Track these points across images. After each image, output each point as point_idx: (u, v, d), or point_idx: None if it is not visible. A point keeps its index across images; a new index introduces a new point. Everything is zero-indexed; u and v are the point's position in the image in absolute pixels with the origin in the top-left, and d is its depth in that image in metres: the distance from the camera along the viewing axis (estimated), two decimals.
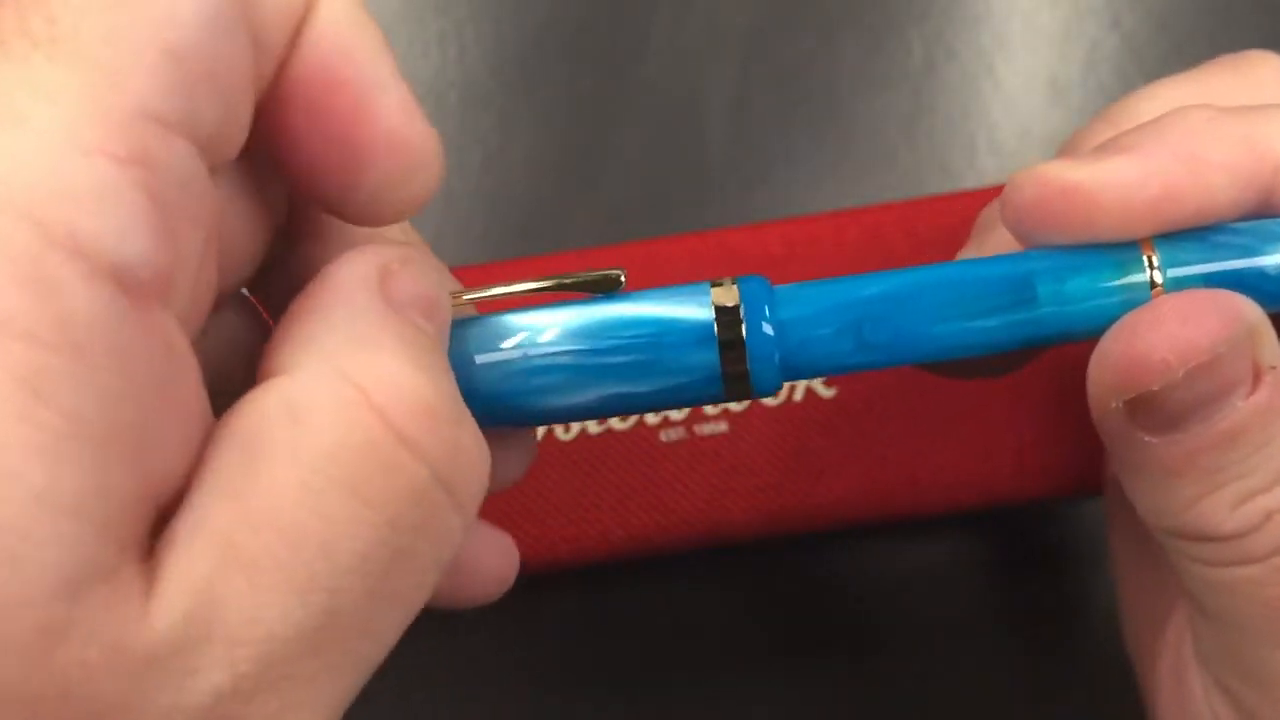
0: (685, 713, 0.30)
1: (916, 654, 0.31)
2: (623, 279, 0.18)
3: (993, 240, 0.20)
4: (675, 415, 0.27)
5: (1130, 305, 0.18)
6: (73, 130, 0.12)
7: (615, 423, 0.27)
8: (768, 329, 0.18)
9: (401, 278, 0.16)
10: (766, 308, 0.18)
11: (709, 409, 0.27)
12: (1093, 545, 0.31)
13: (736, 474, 0.27)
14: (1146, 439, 0.18)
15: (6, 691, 0.12)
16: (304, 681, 0.13)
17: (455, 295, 0.18)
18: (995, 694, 0.30)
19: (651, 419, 0.27)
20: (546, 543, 0.27)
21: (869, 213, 0.28)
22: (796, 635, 0.31)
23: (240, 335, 0.19)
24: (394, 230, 0.19)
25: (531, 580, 0.28)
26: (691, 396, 0.18)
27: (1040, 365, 0.26)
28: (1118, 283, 0.18)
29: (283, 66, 0.15)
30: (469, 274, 0.27)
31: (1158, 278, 0.18)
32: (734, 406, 0.27)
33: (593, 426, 0.27)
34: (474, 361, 0.18)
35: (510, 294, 0.18)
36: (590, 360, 0.18)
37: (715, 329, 0.17)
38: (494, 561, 0.20)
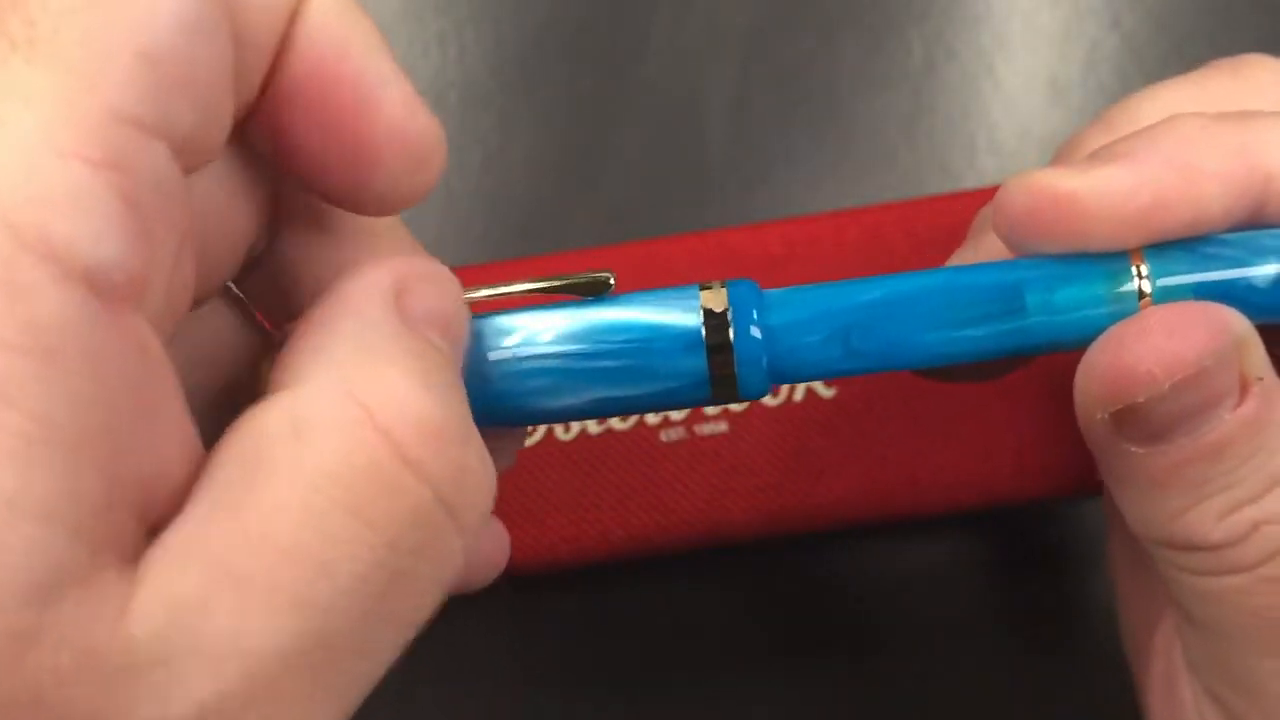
0: (685, 713, 0.30)
1: (916, 654, 0.31)
2: (612, 281, 0.18)
3: (987, 243, 0.20)
4: (675, 415, 0.27)
5: (1118, 316, 0.17)
6: (48, 133, 0.12)
7: (615, 423, 0.27)
8: (755, 333, 0.18)
9: (417, 292, 0.16)
10: (755, 311, 0.18)
11: (709, 409, 0.27)
12: (1093, 545, 0.31)
13: (736, 474, 0.27)
14: (1133, 450, 0.18)
15: None
16: (295, 700, 0.13)
17: None
18: (995, 694, 0.30)
19: (651, 419, 0.27)
20: (546, 543, 0.27)
21: (869, 213, 0.28)
22: (796, 635, 0.31)
23: (228, 329, 0.19)
24: (386, 220, 0.19)
25: (531, 580, 0.28)
26: (680, 399, 0.18)
27: (1040, 366, 0.26)
28: (1106, 293, 0.18)
29: (278, 65, 0.15)
30: (468, 274, 0.27)
31: (1146, 288, 0.18)
32: (734, 406, 0.27)
33: (593, 426, 0.27)
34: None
35: (499, 295, 0.18)
36: (579, 364, 0.18)
37: (703, 332, 0.17)
38: (487, 548, 0.20)
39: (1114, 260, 0.18)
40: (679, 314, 0.18)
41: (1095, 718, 0.30)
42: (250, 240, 0.17)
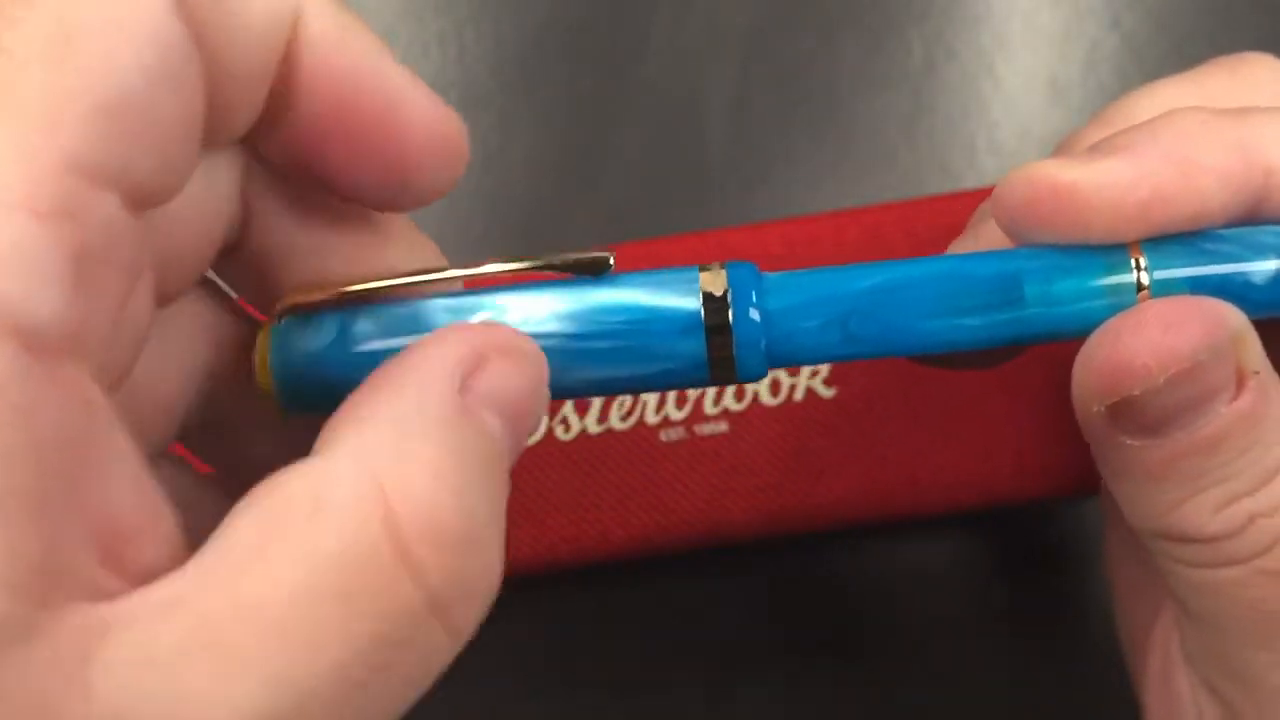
0: (685, 712, 0.30)
1: (916, 654, 0.31)
2: (611, 261, 0.18)
3: (987, 231, 0.20)
4: (675, 415, 0.27)
5: (1116, 308, 0.18)
6: None
7: (615, 423, 0.27)
8: (754, 315, 0.18)
9: (490, 371, 0.16)
10: (754, 294, 0.18)
11: (709, 409, 0.27)
12: (1092, 545, 0.31)
13: (736, 474, 0.27)
14: (1129, 442, 0.18)
15: None
16: None
17: (436, 272, 0.18)
18: (995, 694, 0.30)
19: (652, 419, 0.27)
20: (546, 543, 0.27)
21: (869, 213, 0.28)
22: (796, 635, 0.31)
23: (208, 316, 0.19)
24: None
25: (531, 580, 0.28)
26: (677, 380, 0.18)
27: (1040, 365, 0.26)
28: (1104, 285, 0.18)
29: (291, 87, 0.16)
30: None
31: (1144, 280, 0.18)
32: (734, 406, 0.27)
33: (593, 426, 0.27)
34: None
35: (498, 273, 0.18)
36: (576, 344, 0.18)
37: (702, 313, 0.17)
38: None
39: (1112, 253, 0.18)
40: (678, 295, 0.18)
41: (1095, 717, 0.30)
42: (223, 232, 0.17)
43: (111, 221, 0.14)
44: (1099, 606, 0.30)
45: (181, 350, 0.18)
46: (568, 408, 0.27)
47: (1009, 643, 0.31)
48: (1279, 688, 0.18)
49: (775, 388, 0.27)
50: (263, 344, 0.18)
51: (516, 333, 0.17)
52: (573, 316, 0.18)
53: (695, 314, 0.18)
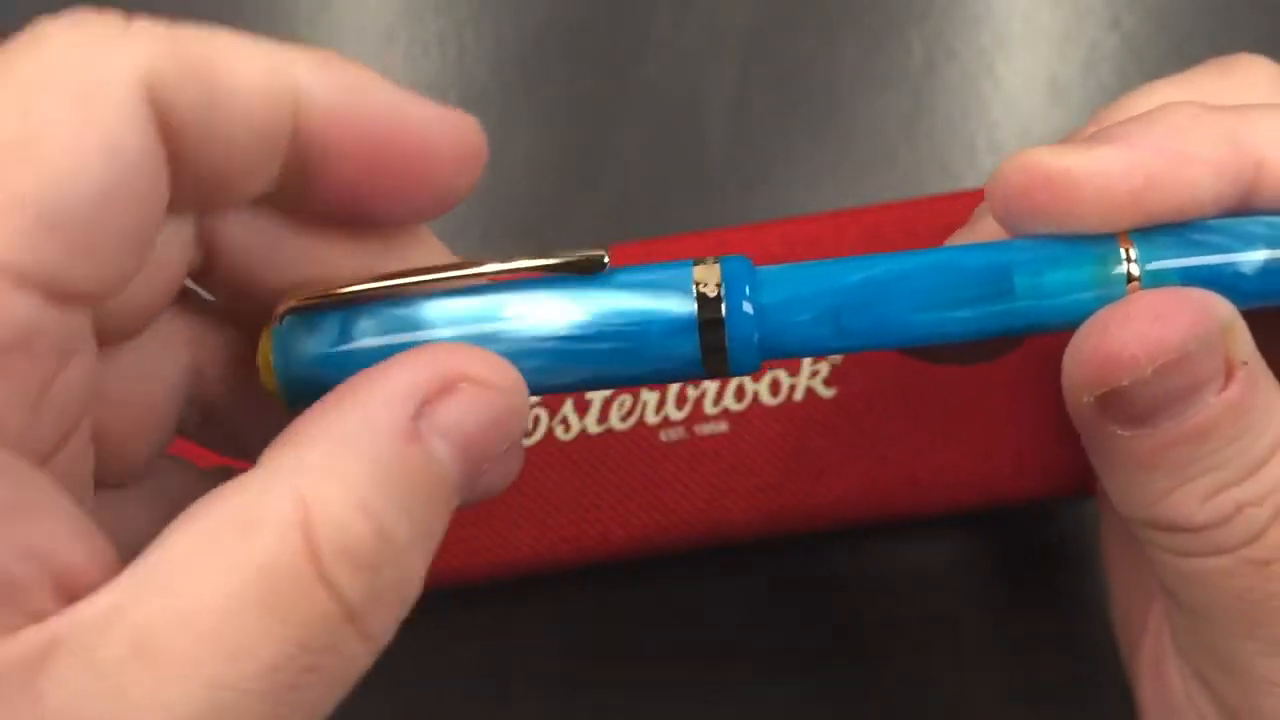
0: (685, 712, 0.30)
1: (916, 654, 0.31)
2: (606, 260, 0.18)
3: (984, 226, 0.20)
4: (675, 415, 0.27)
5: (1106, 300, 0.18)
6: None
7: (615, 423, 0.27)
8: (748, 308, 0.18)
9: (451, 402, 0.16)
10: (747, 287, 0.18)
11: (709, 409, 0.27)
12: (1092, 544, 0.31)
13: (736, 474, 0.27)
14: (1119, 432, 0.18)
15: None
16: None
17: (433, 271, 0.18)
18: (995, 693, 0.30)
19: (652, 419, 0.27)
20: (546, 543, 0.27)
21: (869, 213, 0.28)
22: (796, 635, 0.31)
23: (187, 333, 0.19)
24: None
25: (531, 580, 0.28)
26: (671, 375, 0.18)
27: (1040, 365, 0.26)
28: (1094, 277, 0.18)
29: (306, 158, 0.16)
30: None
31: (1135, 272, 0.18)
32: (734, 406, 0.27)
33: (593, 426, 0.27)
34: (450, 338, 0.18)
35: (495, 272, 0.18)
36: (572, 345, 0.18)
37: (696, 306, 0.18)
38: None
39: (1103, 244, 0.18)
40: (673, 288, 0.18)
41: (1095, 716, 0.30)
42: (182, 272, 0.18)
43: (29, 318, 0.14)
44: (1098, 606, 0.30)
45: (163, 363, 0.19)
46: (568, 407, 0.28)
47: (1009, 643, 0.31)
48: (1266, 677, 0.18)
49: (775, 387, 0.27)
50: (265, 345, 0.18)
51: (495, 362, 0.17)
52: (569, 314, 0.18)
53: (690, 307, 0.18)
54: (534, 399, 0.27)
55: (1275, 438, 0.17)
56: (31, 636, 0.14)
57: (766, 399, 0.27)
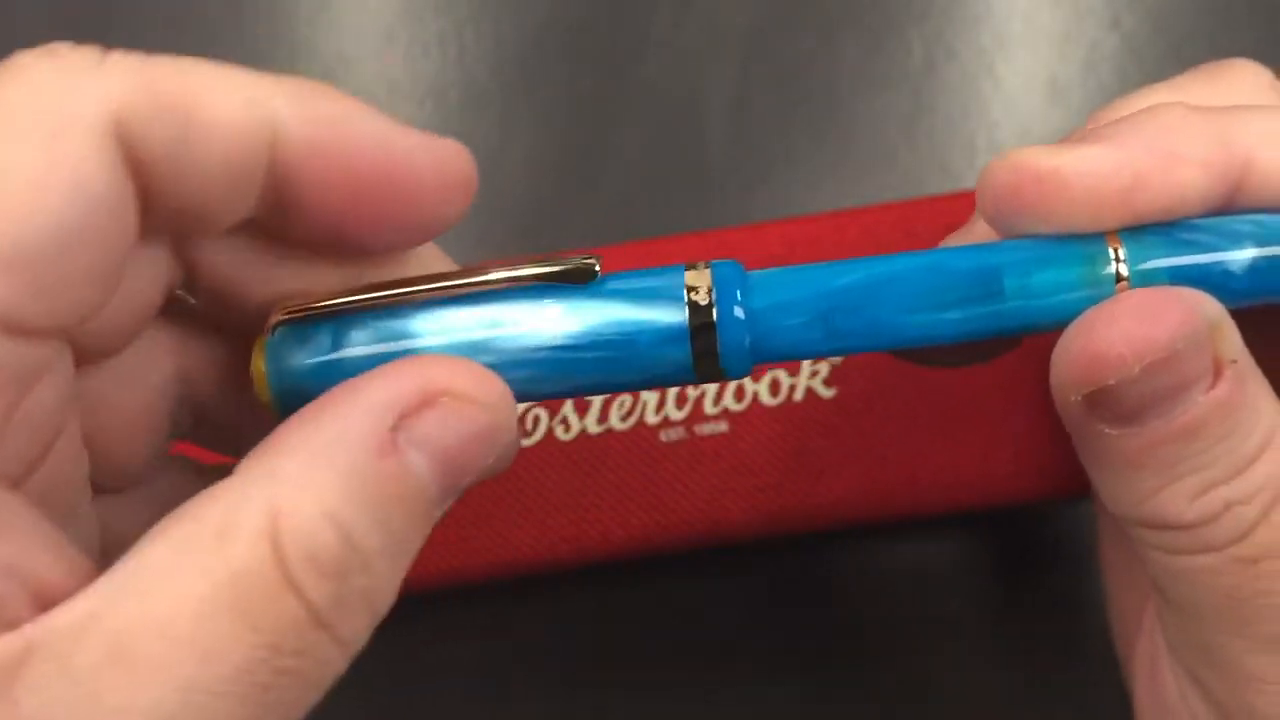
0: (685, 712, 0.30)
1: (916, 654, 0.31)
2: (597, 268, 0.18)
3: (978, 230, 0.20)
4: (675, 415, 0.27)
5: (1096, 299, 0.18)
6: None
7: (615, 423, 0.27)
8: (739, 313, 0.18)
9: (431, 415, 0.16)
10: (738, 292, 0.18)
11: (709, 409, 0.27)
12: (1090, 545, 0.31)
13: (736, 474, 0.27)
14: (1107, 431, 0.18)
15: None
16: None
17: (425, 282, 0.18)
18: (995, 693, 0.30)
19: (652, 419, 0.27)
20: (546, 543, 0.27)
21: (869, 213, 0.28)
22: (796, 635, 0.31)
23: (173, 343, 0.19)
24: None
25: (531, 580, 0.28)
26: (663, 381, 0.18)
27: (1038, 367, 0.26)
28: (1083, 277, 0.18)
29: (285, 190, 0.16)
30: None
31: (1124, 271, 0.18)
32: (734, 406, 0.27)
33: (593, 426, 0.27)
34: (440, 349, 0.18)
35: (486, 282, 0.18)
36: (564, 355, 0.18)
37: (687, 312, 0.18)
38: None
39: (1092, 244, 0.18)
40: (664, 294, 0.18)
41: (1094, 716, 0.30)
42: (164, 283, 0.18)
43: None
44: (1097, 606, 0.30)
45: (149, 371, 0.19)
46: (568, 407, 0.28)
47: (1008, 642, 0.31)
48: (1256, 674, 0.18)
49: (775, 388, 0.28)
50: (258, 356, 0.18)
51: (479, 376, 0.17)
52: (561, 323, 0.18)
53: (681, 314, 0.18)
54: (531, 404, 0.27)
55: (1263, 436, 0.18)
56: (6, 644, 0.14)
57: (766, 399, 0.27)
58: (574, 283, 0.18)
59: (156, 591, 0.14)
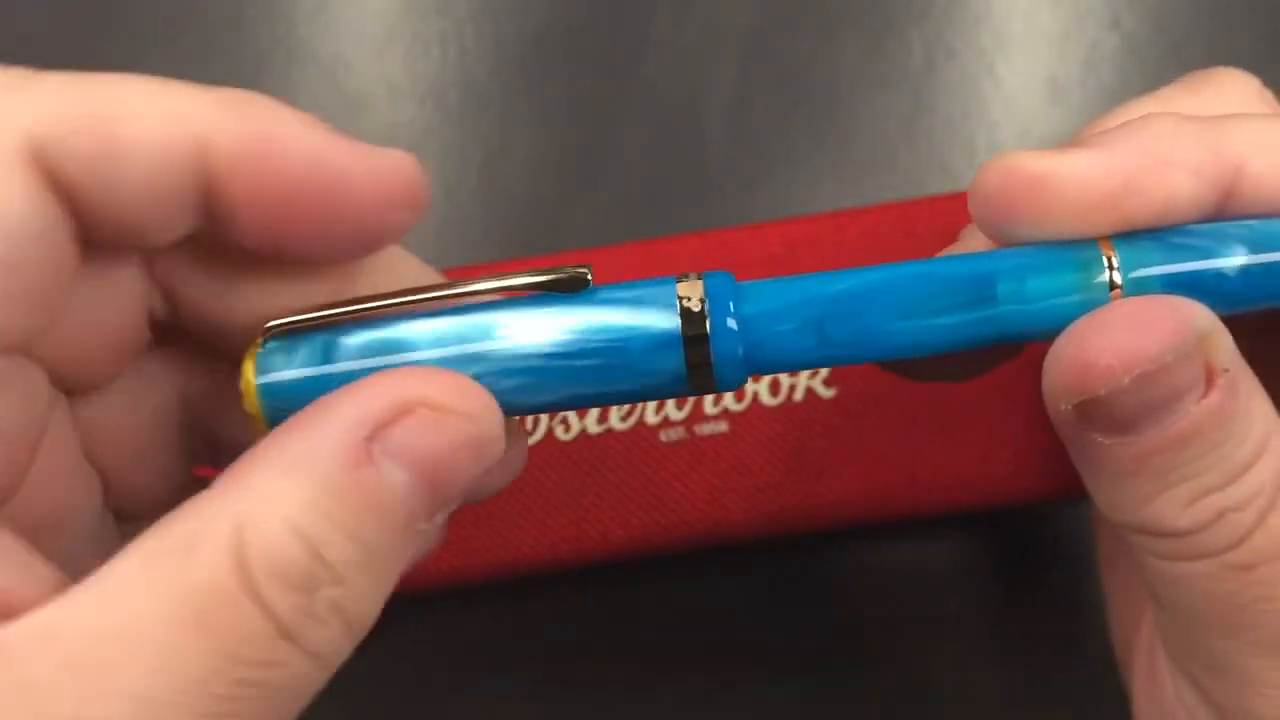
0: (685, 712, 0.30)
1: (916, 654, 0.31)
2: (589, 277, 0.18)
3: (974, 242, 0.20)
4: (675, 415, 0.27)
5: (1089, 306, 0.18)
6: None
7: (615, 423, 0.27)
8: (731, 324, 0.18)
9: (406, 425, 0.16)
10: (731, 303, 0.18)
11: (709, 409, 0.27)
12: (1090, 544, 0.31)
13: (736, 474, 0.27)
14: (1099, 439, 0.18)
15: None
16: None
17: (415, 293, 0.18)
18: (995, 693, 0.30)
19: (652, 419, 0.27)
20: (546, 543, 0.27)
21: (869, 213, 0.28)
22: (796, 635, 0.31)
23: (173, 372, 0.20)
24: None
25: (531, 580, 0.28)
26: (657, 392, 0.18)
27: (1038, 368, 0.26)
28: (1077, 283, 0.18)
29: (219, 204, 0.16)
30: (468, 274, 0.27)
31: (1117, 279, 0.18)
32: (734, 406, 0.27)
33: (593, 426, 0.27)
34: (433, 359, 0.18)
35: (475, 292, 0.18)
36: (556, 363, 0.18)
37: (680, 322, 0.18)
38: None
39: (1085, 250, 0.18)
40: (656, 306, 0.18)
41: (1093, 716, 0.30)
42: (141, 308, 0.18)
43: None
44: (1097, 606, 0.30)
45: (148, 400, 0.19)
46: None
47: (1008, 642, 0.31)
48: (1254, 677, 0.18)
49: (775, 388, 0.28)
50: (248, 369, 0.18)
51: (459, 386, 0.17)
52: (552, 331, 0.18)
53: (674, 328, 0.18)
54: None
55: (1257, 442, 0.17)
56: None
57: (766, 399, 0.27)
58: (566, 291, 0.18)
59: (118, 603, 0.15)
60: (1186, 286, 0.18)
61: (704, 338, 0.18)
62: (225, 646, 0.14)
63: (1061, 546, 0.31)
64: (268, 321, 0.18)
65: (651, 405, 0.27)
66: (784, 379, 0.27)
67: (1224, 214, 0.18)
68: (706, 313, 0.18)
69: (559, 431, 0.27)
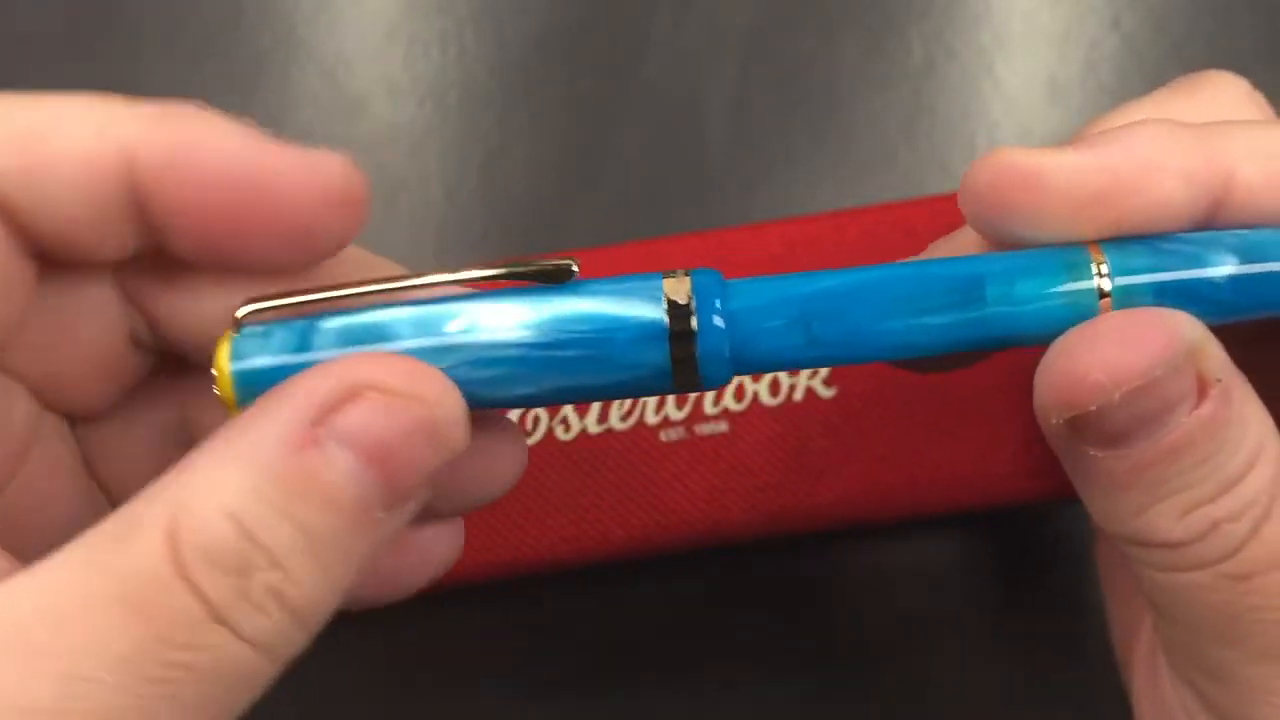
0: (685, 712, 0.30)
1: (916, 653, 0.31)
2: (575, 269, 0.18)
3: (963, 238, 0.20)
4: (675, 415, 0.27)
5: (1077, 310, 0.17)
6: None
7: (615, 422, 0.27)
8: (718, 321, 0.18)
9: (353, 409, 0.16)
10: (718, 300, 0.18)
11: (709, 409, 0.27)
12: (1090, 545, 0.31)
13: (736, 474, 0.27)
14: (1091, 452, 0.18)
15: None
16: None
17: (395, 281, 0.18)
18: (995, 693, 0.30)
19: (652, 419, 0.27)
20: (546, 543, 0.27)
21: (869, 213, 0.28)
22: (796, 635, 0.31)
23: (172, 395, 0.20)
24: None
25: (531, 580, 0.28)
26: (641, 389, 0.18)
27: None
28: (1065, 288, 0.18)
29: (153, 214, 0.17)
30: None
31: (1106, 285, 0.18)
32: (734, 406, 0.27)
33: (593, 426, 0.27)
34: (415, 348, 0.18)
35: (460, 281, 0.18)
36: (537, 354, 0.17)
37: (667, 319, 0.17)
38: (416, 554, 0.21)
39: (1074, 254, 0.18)
40: (642, 303, 0.18)
41: (1093, 716, 0.30)
42: (121, 330, 0.18)
43: None
44: (1097, 606, 0.30)
45: (149, 425, 0.20)
46: (568, 408, 0.28)
47: (1008, 642, 0.31)
48: (1255, 685, 0.18)
49: (775, 388, 0.28)
50: (223, 353, 0.18)
51: (414, 369, 0.16)
52: (536, 325, 0.17)
53: (659, 319, 0.17)
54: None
55: (1250, 452, 0.17)
56: None
57: (766, 399, 0.27)
58: (550, 283, 0.18)
59: (52, 585, 0.15)
60: (1176, 294, 0.18)
61: (690, 333, 0.17)
62: (155, 628, 0.15)
63: (1061, 546, 0.31)
64: (261, 294, 0.18)
65: (651, 405, 0.27)
66: (784, 379, 0.27)
67: (1215, 222, 0.18)
68: (693, 309, 0.17)
69: (559, 431, 0.27)
